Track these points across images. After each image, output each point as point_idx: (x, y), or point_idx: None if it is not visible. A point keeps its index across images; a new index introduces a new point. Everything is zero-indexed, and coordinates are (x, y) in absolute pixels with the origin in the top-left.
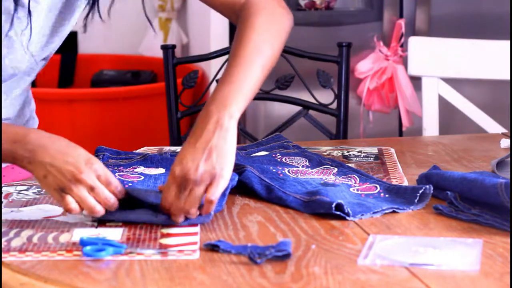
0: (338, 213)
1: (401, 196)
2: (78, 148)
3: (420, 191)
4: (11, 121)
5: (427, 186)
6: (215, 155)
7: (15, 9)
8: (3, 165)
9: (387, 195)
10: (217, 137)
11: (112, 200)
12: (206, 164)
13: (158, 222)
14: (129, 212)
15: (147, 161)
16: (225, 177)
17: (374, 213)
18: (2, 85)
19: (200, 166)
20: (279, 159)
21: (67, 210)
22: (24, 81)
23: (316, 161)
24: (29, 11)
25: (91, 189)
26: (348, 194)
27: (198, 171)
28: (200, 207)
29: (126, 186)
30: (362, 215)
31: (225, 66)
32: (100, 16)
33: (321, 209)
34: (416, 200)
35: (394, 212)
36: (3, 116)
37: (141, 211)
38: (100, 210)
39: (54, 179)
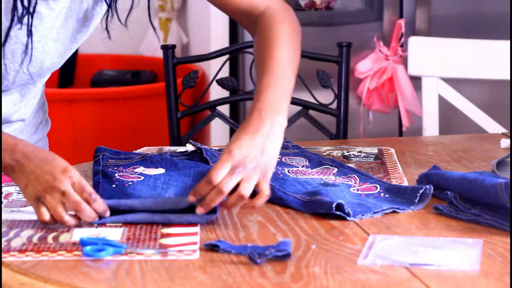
0: (338, 213)
1: (401, 196)
2: (57, 158)
3: (420, 191)
4: (25, 123)
5: (427, 186)
6: (266, 156)
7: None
8: None
9: (387, 195)
10: (270, 140)
11: (82, 206)
12: (261, 159)
13: (156, 220)
14: (126, 215)
15: (147, 161)
16: (268, 179)
17: (374, 213)
18: (19, 87)
19: (256, 157)
20: (279, 159)
21: (41, 221)
22: (40, 82)
23: (316, 161)
24: (30, 31)
25: (63, 194)
26: (348, 194)
27: (255, 161)
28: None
29: (126, 185)
30: (363, 215)
31: (258, 75)
32: (120, 20)
33: (321, 209)
34: (416, 200)
35: (394, 212)
36: (18, 117)
37: (137, 214)
38: (68, 220)
39: (33, 188)
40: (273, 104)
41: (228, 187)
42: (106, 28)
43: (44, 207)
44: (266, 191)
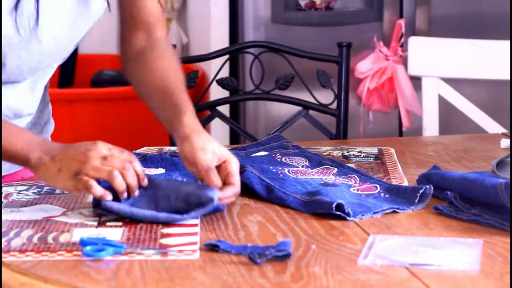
0: (338, 213)
1: (401, 196)
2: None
3: (420, 191)
4: (33, 117)
5: (427, 186)
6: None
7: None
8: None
9: (387, 195)
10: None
11: (127, 166)
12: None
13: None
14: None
15: (147, 161)
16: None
17: (374, 213)
18: (30, 80)
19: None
20: (279, 159)
21: (92, 193)
22: (50, 71)
23: (316, 161)
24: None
25: (104, 158)
26: (348, 194)
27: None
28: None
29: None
30: (363, 215)
31: (173, 98)
32: None
33: (321, 209)
34: (416, 200)
35: (394, 212)
36: (28, 111)
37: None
38: (116, 175)
39: (68, 168)
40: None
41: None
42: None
43: (86, 178)
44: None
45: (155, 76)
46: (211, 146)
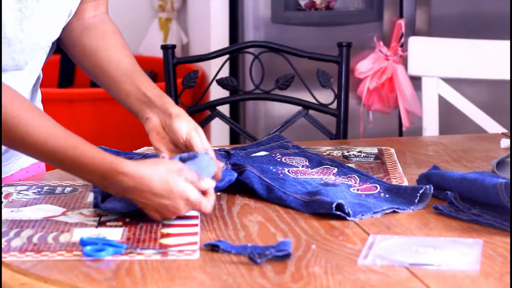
0: (338, 213)
1: (401, 196)
2: (172, 182)
3: (421, 191)
4: None
5: (428, 186)
6: None
7: None
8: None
9: (387, 195)
10: None
11: (203, 202)
12: None
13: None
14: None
15: None
16: None
17: (374, 213)
18: (29, 65)
19: None
20: (279, 159)
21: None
22: (39, 55)
23: (316, 161)
24: None
25: (186, 202)
26: (348, 194)
27: None
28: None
29: None
30: (363, 215)
31: (136, 80)
32: None
33: (321, 209)
34: (416, 200)
35: (394, 212)
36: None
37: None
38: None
39: (154, 213)
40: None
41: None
42: None
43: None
44: None
45: (117, 48)
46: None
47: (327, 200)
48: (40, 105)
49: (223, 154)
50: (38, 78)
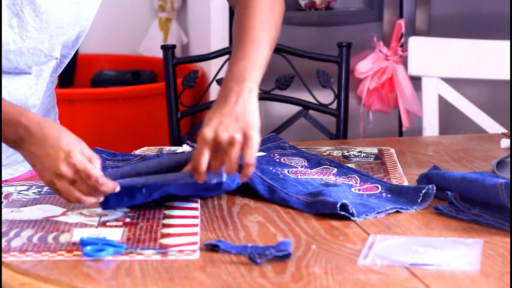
0: (343, 213)
1: (403, 196)
2: (62, 139)
3: (423, 191)
4: (40, 112)
5: (430, 186)
6: (242, 117)
7: None
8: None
9: (389, 195)
10: (241, 105)
11: (90, 194)
12: (236, 125)
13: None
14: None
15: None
16: (256, 136)
17: (378, 213)
18: (34, 68)
19: (230, 127)
20: (277, 160)
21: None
22: (50, 58)
23: (315, 161)
24: None
25: (72, 182)
26: (350, 194)
27: (229, 131)
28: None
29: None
30: (367, 215)
31: (234, 43)
32: None
33: (325, 209)
34: (419, 200)
35: (394, 212)
36: (33, 102)
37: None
38: (85, 199)
39: (41, 172)
40: (242, 74)
41: (216, 170)
42: None
43: (59, 191)
44: (250, 160)
45: (235, 16)
46: (225, 119)
47: (331, 201)
48: (56, 109)
49: None
50: (52, 83)
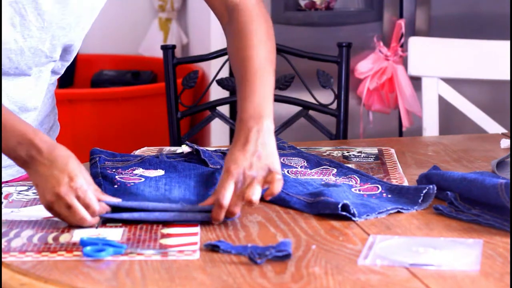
0: (344, 213)
1: (404, 196)
2: (69, 163)
3: (424, 191)
4: (40, 116)
5: (431, 186)
6: (264, 155)
7: None
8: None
9: (389, 195)
10: (261, 143)
11: (87, 223)
12: (259, 162)
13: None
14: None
15: (145, 163)
16: (279, 172)
17: (379, 213)
18: (34, 70)
19: (254, 164)
20: None
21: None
22: (50, 61)
23: (314, 161)
24: None
25: (68, 207)
26: (350, 195)
27: (253, 167)
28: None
29: (129, 185)
30: (368, 215)
31: (238, 77)
32: None
33: (326, 209)
34: (420, 200)
35: (395, 212)
36: (33, 104)
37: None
38: (88, 222)
39: (41, 193)
40: (257, 111)
41: (238, 208)
42: None
43: (56, 213)
44: (275, 191)
45: (232, 49)
46: (247, 162)
47: (332, 201)
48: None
49: (220, 156)
50: (52, 85)
